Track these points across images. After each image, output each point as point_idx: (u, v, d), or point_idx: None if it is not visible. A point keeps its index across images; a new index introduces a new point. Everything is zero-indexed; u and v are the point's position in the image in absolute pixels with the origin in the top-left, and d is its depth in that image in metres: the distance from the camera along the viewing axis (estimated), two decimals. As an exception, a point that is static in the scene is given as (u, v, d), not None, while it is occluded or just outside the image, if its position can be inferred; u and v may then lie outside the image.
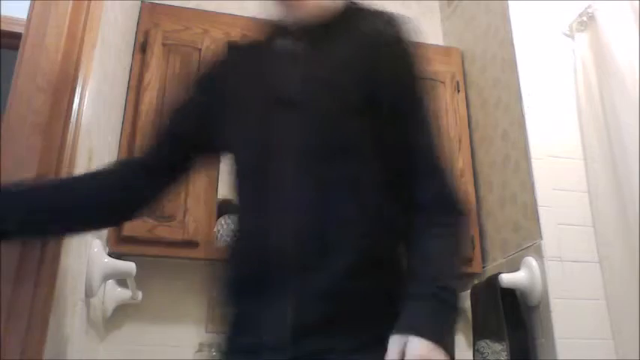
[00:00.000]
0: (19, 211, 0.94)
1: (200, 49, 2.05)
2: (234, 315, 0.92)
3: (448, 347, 0.80)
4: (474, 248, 2.03)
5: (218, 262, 0.97)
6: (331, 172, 0.88)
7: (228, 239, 0.97)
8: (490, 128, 2.12)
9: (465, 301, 1.94)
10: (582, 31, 1.98)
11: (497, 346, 1.70)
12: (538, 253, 1.74)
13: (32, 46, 1.11)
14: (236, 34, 2.15)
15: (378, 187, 0.91)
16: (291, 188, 0.88)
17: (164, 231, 1.79)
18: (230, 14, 2.20)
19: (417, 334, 0.79)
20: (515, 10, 2.05)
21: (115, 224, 1.51)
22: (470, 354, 1.86)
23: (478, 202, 2.13)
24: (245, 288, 0.89)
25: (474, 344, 1.81)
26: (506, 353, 1.66)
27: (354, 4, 1.02)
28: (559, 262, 1.73)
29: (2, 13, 2.06)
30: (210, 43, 2.08)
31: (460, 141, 2.18)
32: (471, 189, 2.12)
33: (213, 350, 1.78)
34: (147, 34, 2.02)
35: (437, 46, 2.45)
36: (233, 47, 1.13)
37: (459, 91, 2.27)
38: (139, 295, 1.80)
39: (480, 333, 1.80)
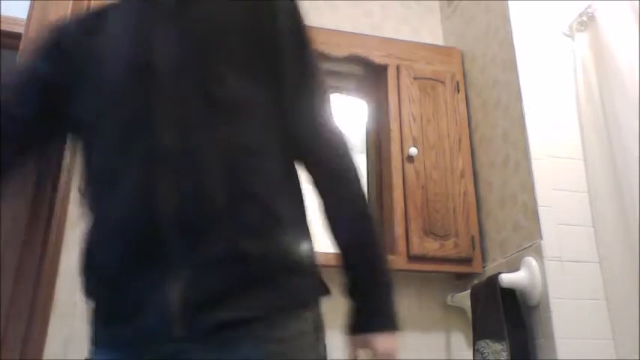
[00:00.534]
0: None
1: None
2: (106, 304, 0.81)
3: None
4: (474, 248, 2.03)
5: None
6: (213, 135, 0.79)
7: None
8: (490, 128, 2.12)
9: (466, 301, 1.94)
10: (582, 31, 1.98)
11: (497, 346, 1.70)
12: (538, 253, 1.74)
13: (32, 46, 1.10)
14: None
15: (268, 149, 0.84)
16: (169, 155, 0.77)
17: (164, 231, 1.79)
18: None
19: (384, 330, 0.84)
20: (515, 10, 2.05)
21: None
22: (470, 354, 1.86)
23: (478, 202, 2.13)
24: (116, 270, 0.79)
25: (474, 344, 1.81)
26: (506, 353, 1.66)
27: None
28: (559, 262, 1.73)
29: (2, 13, 2.06)
30: (210, 43, 2.08)
31: (460, 141, 2.18)
32: (471, 189, 2.12)
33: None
34: (147, 34, 2.02)
35: (437, 46, 2.45)
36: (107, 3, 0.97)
37: (459, 91, 2.27)
38: (139, 295, 1.80)
39: (479, 333, 1.80)
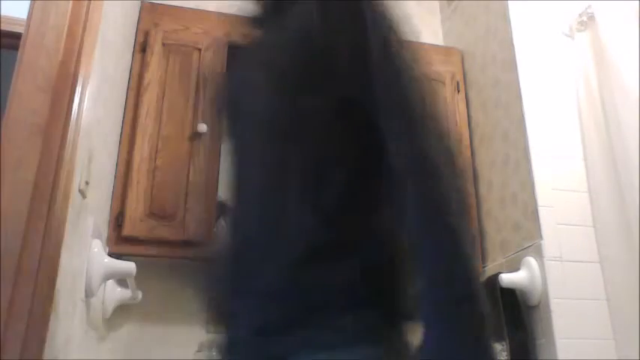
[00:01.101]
0: None
1: (200, 49, 2.05)
2: None
3: None
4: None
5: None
6: None
7: None
8: (490, 128, 2.12)
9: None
10: (582, 31, 1.98)
11: (497, 346, 1.70)
12: (538, 253, 1.74)
13: (32, 46, 1.11)
14: (236, 34, 2.15)
15: None
16: None
17: (164, 231, 1.79)
18: (230, 14, 2.19)
19: None
20: (515, 10, 2.05)
21: None
22: (470, 354, 1.85)
23: (478, 202, 2.13)
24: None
25: (474, 344, 1.81)
26: (506, 353, 1.66)
27: None
28: (559, 262, 1.73)
29: (2, 13, 2.06)
30: (210, 43, 2.08)
31: (460, 141, 2.18)
32: (470, 189, 2.12)
33: (213, 350, 1.78)
34: (147, 34, 2.02)
35: (437, 46, 2.45)
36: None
37: (459, 91, 2.27)
38: (139, 295, 1.80)
39: (480, 333, 1.80)
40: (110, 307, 1.72)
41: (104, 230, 1.69)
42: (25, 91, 1.07)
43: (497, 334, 1.71)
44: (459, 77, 2.30)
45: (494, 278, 1.76)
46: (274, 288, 0.77)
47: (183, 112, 1.95)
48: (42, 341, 1.01)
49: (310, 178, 0.80)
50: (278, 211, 0.80)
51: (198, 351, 1.78)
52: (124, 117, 1.91)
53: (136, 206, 1.79)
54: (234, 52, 1.10)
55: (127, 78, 1.95)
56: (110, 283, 1.70)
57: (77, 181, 1.23)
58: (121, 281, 1.75)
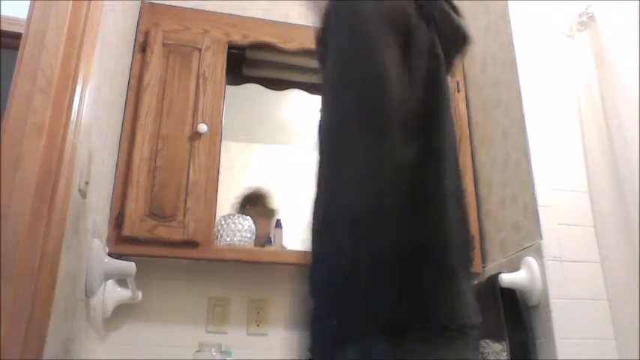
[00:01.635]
0: None
1: (200, 49, 2.06)
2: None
3: None
4: (473, 248, 2.03)
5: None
6: None
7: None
8: (490, 128, 2.12)
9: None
10: (582, 31, 1.98)
11: (497, 346, 1.70)
12: (538, 253, 1.74)
13: (32, 46, 1.11)
14: (236, 34, 2.15)
15: None
16: None
17: (164, 231, 1.80)
18: (230, 14, 2.20)
19: None
20: (515, 10, 2.05)
21: None
22: (470, 354, 1.85)
23: (478, 202, 2.13)
24: None
25: (474, 344, 1.81)
26: (506, 353, 1.66)
27: None
28: (559, 262, 1.73)
29: (2, 13, 2.06)
30: (210, 43, 2.08)
31: (460, 141, 2.18)
32: (470, 188, 2.12)
33: (213, 350, 1.78)
34: (147, 34, 2.02)
35: (437, 46, 2.44)
36: None
37: (459, 91, 2.27)
38: (139, 295, 1.81)
39: (479, 333, 1.80)
40: (110, 307, 1.72)
41: (104, 230, 1.69)
42: (25, 91, 1.07)
43: (497, 334, 1.71)
44: (458, 77, 2.30)
45: (494, 278, 1.76)
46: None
47: (183, 112, 1.95)
48: (42, 341, 1.01)
49: None
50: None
51: (198, 351, 1.78)
52: (124, 117, 1.91)
53: (135, 206, 1.79)
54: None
55: (127, 78, 1.95)
56: (110, 283, 1.71)
57: (77, 181, 1.23)
58: (121, 281, 1.75)
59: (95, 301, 1.56)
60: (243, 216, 2.05)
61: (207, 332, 1.94)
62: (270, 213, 2.18)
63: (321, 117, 0.92)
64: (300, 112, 2.47)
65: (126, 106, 1.92)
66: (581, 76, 1.94)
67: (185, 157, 1.89)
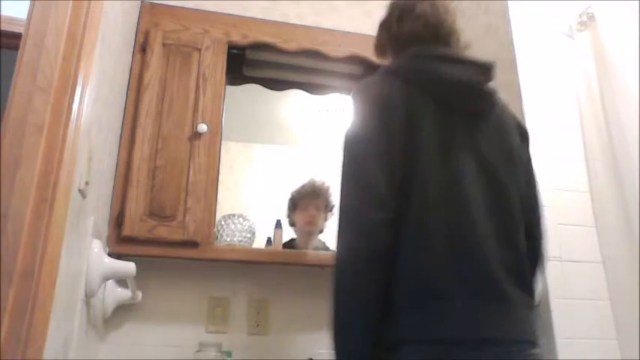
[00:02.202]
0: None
1: (200, 49, 2.06)
2: None
3: None
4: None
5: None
6: None
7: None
8: (490, 128, 2.11)
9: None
10: (582, 31, 1.98)
11: (498, 346, 1.69)
12: (538, 253, 1.74)
13: (32, 46, 1.11)
14: (236, 34, 2.15)
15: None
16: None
17: (164, 231, 1.79)
18: (230, 14, 2.20)
19: None
20: (515, 10, 2.05)
21: None
22: (470, 354, 1.85)
23: (478, 202, 2.12)
24: None
25: (474, 344, 1.81)
26: (506, 353, 1.66)
27: None
28: (559, 262, 1.73)
29: (2, 13, 2.06)
30: (210, 43, 2.08)
31: (460, 141, 2.18)
32: (471, 189, 2.12)
33: (213, 350, 1.78)
34: (147, 34, 2.02)
35: (437, 46, 2.44)
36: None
37: (459, 91, 2.27)
38: (139, 295, 1.80)
39: (480, 333, 1.80)
40: (110, 307, 1.72)
41: (104, 230, 1.69)
42: (25, 91, 1.07)
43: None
44: (459, 77, 2.29)
45: (495, 278, 1.76)
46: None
47: (183, 112, 1.95)
48: (42, 341, 1.01)
49: None
50: None
51: (198, 351, 1.78)
52: (124, 117, 1.91)
53: (135, 206, 1.79)
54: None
55: (127, 78, 1.95)
56: (110, 283, 1.70)
57: (77, 181, 1.23)
58: (121, 281, 1.75)
59: (95, 301, 1.56)
60: (244, 216, 2.05)
61: (207, 332, 1.94)
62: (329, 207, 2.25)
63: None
64: (300, 112, 2.47)
65: (126, 106, 1.92)
66: (581, 76, 1.94)
67: (185, 157, 1.89)
